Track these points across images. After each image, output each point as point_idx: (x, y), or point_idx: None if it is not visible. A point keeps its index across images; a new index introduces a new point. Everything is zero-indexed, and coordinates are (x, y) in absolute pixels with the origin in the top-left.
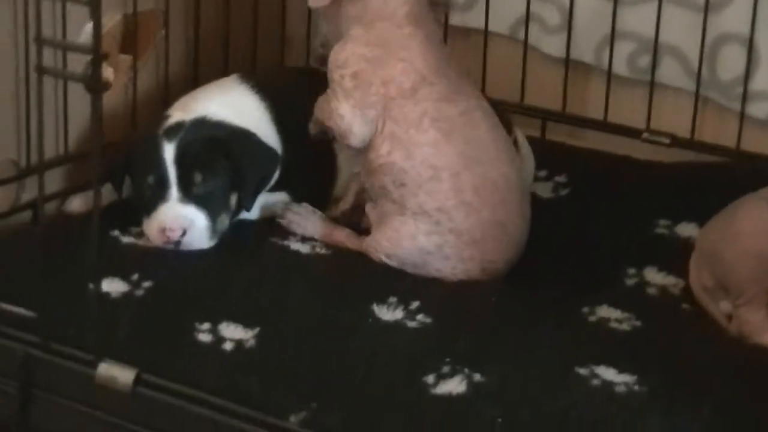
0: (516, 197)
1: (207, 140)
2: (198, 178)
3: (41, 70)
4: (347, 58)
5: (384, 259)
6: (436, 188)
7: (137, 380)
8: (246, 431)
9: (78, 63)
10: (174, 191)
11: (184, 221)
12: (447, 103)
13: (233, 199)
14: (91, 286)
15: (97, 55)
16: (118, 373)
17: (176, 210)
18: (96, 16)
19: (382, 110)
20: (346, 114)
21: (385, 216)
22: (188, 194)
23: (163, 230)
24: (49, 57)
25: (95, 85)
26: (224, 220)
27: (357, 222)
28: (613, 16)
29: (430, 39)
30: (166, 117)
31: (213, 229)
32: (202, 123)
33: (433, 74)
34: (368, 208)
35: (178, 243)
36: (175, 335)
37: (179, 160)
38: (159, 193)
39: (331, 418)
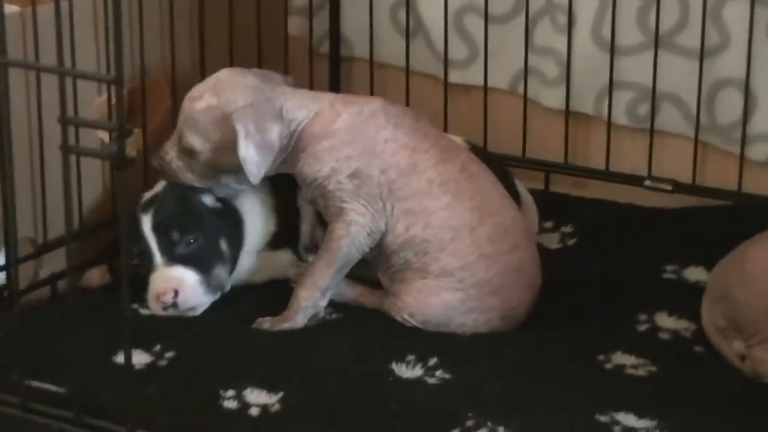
0: (525, 240)
1: (179, 201)
2: (176, 236)
3: (67, 149)
4: (334, 167)
5: (407, 317)
6: (457, 247)
7: None
8: None
9: (88, 138)
10: (158, 258)
11: (172, 282)
12: (445, 164)
13: (224, 246)
14: (123, 355)
15: (122, 131)
16: None
17: (163, 274)
18: (119, 93)
19: (387, 196)
20: (363, 215)
21: (404, 282)
22: (172, 256)
23: (157, 297)
24: (54, 132)
25: (121, 162)
26: (220, 272)
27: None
28: (611, 66)
29: (384, 106)
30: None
31: (207, 282)
32: (173, 188)
33: (418, 140)
34: (379, 274)
35: (175, 305)
36: (202, 404)
37: (156, 228)
38: (148, 264)
39: None
